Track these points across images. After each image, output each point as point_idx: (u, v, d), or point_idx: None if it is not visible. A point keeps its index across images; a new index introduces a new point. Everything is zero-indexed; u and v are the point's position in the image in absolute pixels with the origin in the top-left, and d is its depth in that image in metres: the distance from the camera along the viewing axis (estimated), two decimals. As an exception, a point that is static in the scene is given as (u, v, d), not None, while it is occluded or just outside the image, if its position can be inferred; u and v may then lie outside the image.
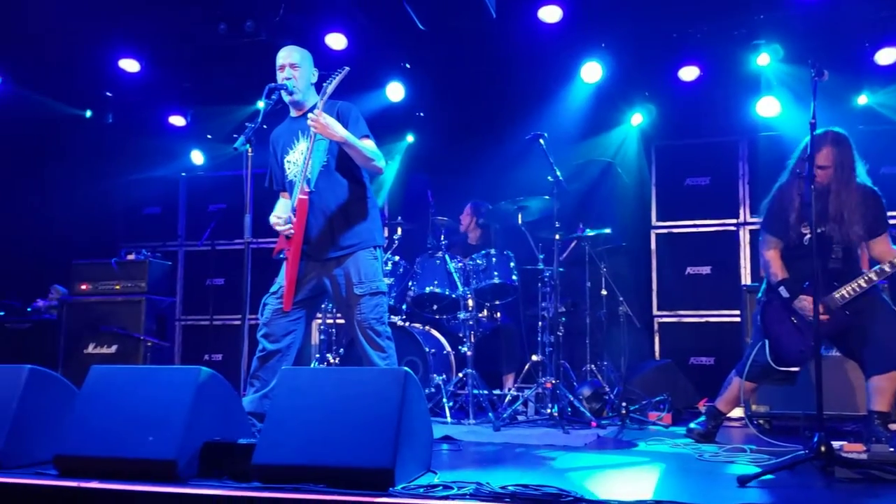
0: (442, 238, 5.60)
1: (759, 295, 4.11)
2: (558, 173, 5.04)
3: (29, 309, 6.84)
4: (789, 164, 4.06)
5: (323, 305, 5.66)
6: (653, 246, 6.66)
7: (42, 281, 7.07)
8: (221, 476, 2.62)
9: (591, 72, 6.53)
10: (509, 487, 2.43)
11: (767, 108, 6.35)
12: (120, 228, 7.88)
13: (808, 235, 3.71)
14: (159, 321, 6.49)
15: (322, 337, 5.99)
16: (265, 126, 3.65)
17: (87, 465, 2.61)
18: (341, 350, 5.74)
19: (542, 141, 5.08)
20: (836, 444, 2.95)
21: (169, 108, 8.06)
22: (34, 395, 2.95)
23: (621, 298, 5.72)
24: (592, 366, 5.74)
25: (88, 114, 8.58)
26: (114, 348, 6.21)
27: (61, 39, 6.97)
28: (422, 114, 7.43)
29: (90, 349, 6.25)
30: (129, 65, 7.26)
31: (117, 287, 6.48)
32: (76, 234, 7.91)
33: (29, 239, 8.13)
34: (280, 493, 2.31)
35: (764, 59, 6.12)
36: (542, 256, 5.48)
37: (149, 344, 6.18)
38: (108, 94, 8.08)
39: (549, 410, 4.85)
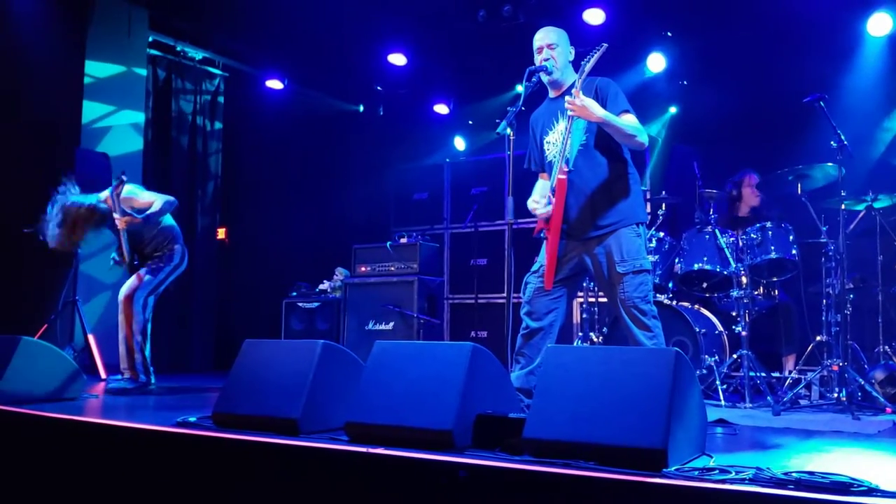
0: (711, 212, 5.32)
1: None
2: (843, 138, 4.57)
3: (317, 290, 7.53)
4: None
5: (584, 284, 5.63)
6: (960, 214, 5.85)
7: (327, 264, 7.76)
8: (494, 447, 2.69)
9: (880, 23, 5.85)
10: (793, 474, 2.25)
11: None
12: (393, 213, 8.39)
13: None
14: (430, 300, 6.84)
15: (584, 315, 5.97)
16: (524, 108, 3.69)
17: (373, 431, 2.80)
18: (604, 329, 5.68)
19: (822, 103, 4.63)
20: None
21: (433, 97, 8.46)
22: (327, 367, 3.20)
23: (920, 273, 5.09)
24: (886, 347, 5.17)
25: (361, 108, 9.26)
26: (391, 325, 6.66)
27: (335, 41, 7.58)
28: (685, 82, 7.11)
29: (370, 326, 6.76)
30: (397, 59, 7.70)
31: (392, 269, 6.93)
32: (355, 220, 8.59)
33: (315, 227, 8.97)
34: (551, 467, 2.32)
35: None
36: (825, 228, 5.00)
37: (421, 321, 6.54)
38: (378, 88, 8.64)
39: (835, 395, 4.45)
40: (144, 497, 3.03)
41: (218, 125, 8.35)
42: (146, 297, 5.04)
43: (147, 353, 5.07)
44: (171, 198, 5.15)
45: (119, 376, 5.10)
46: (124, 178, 5.02)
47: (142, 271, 5.05)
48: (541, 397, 2.69)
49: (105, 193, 5.09)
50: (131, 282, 5.03)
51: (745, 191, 5.96)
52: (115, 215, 4.96)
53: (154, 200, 5.07)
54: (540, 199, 3.78)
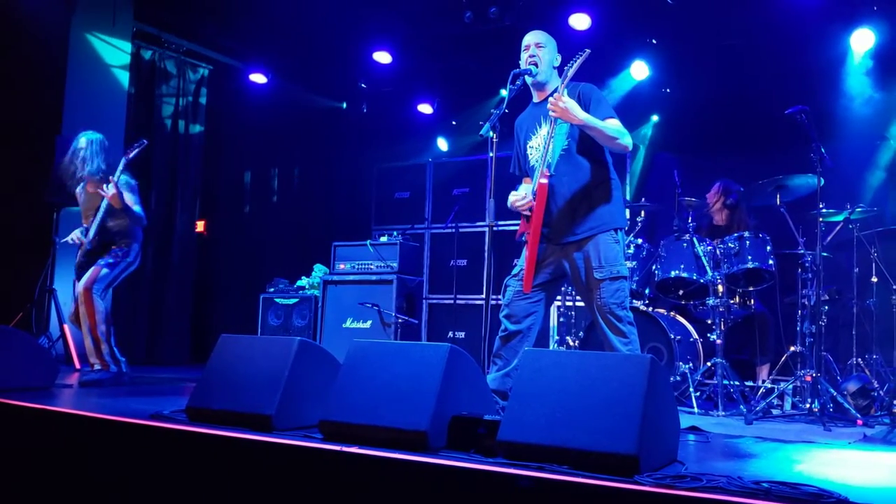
0: (689, 220, 5.36)
1: None
2: (822, 150, 4.62)
3: (295, 286, 7.50)
4: None
5: (563, 288, 5.65)
6: (935, 229, 5.92)
7: (307, 260, 7.73)
8: (468, 449, 2.69)
9: (862, 40, 5.93)
10: (764, 483, 2.27)
11: None
12: (374, 212, 8.38)
13: None
14: (408, 299, 6.83)
15: (561, 319, 5.99)
16: (507, 111, 3.70)
17: (348, 430, 2.79)
18: (581, 333, 5.71)
19: (804, 115, 4.68)
20: None
21: (417, 97, 8.45)
22: (303, 364, 3.19)
23: (895, 287, 5.14)
24: (859, 359, 5.23)
25: (344, 105, 9.23)
26: (368, 323, 6.64)
27: (320, 37, 7.55)
28: (668, 90, 7.15)
29: (348, 323, 6.74)
30: (382, 57, 7.69)
31: (372, 267, 6.92)
32: (336, 217, 8.55)
33: (296, 222, 8.93)
34: (524, 470, 2.32)
35: None
36: (803, 240, 5.06)
37: (399, 320, 6.53)
38: (362, 85, 8.62)
39: (808, 405, 4.50)
40: (116, 489, 3.01)
41: (200, 117, 8.27)
42: (103, 290, 5.09)
43: (113, 342, 5.06)
44: (143, 216, 5.26)
45: (89, 368, 5.07)
46: (145, 142, 5.32)
47: (100, 262, 5.06)
48: (516, 400, 2.69)
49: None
50: (89, 275, 5.05)
51: (710, 199, 6.02)
52: (106, 188, 4.96)
53: (134, 206, 5.16)
54: (520, 194, 3.79)
